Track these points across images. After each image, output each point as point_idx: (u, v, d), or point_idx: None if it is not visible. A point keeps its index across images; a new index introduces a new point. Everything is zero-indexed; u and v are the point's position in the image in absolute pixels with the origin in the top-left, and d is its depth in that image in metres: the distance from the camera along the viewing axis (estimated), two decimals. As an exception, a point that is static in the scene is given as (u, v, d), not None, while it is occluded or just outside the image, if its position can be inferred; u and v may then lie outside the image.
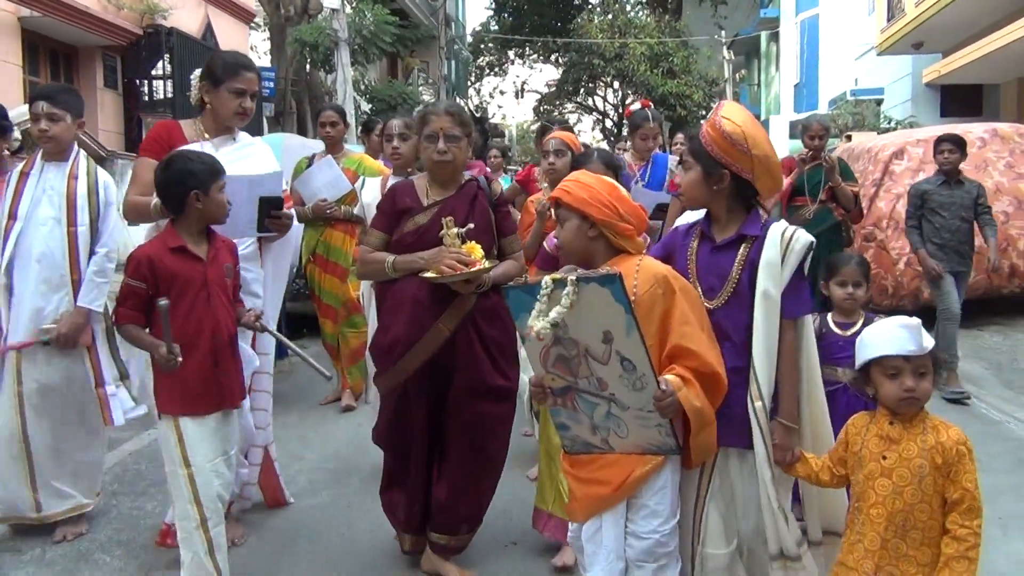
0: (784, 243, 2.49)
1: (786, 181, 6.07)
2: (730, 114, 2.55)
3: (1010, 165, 8.75)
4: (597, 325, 2.26)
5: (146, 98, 12.54)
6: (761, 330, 2.47)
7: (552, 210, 3.81)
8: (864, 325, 3.40)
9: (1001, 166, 8.73)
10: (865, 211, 7.84)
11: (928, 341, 2.29)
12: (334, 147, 6.00)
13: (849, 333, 3.57)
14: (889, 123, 18.77)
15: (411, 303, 3.20)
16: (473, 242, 3.13)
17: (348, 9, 17.06)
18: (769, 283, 2.46)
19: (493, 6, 35.60)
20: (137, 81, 12.57)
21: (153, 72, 12.45)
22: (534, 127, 44.16)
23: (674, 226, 2.88)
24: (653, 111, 5.66)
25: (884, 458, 2.30)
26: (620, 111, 34.69)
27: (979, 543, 2.20)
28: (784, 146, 20.24)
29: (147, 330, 3.01)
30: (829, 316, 3.70)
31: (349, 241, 5.86)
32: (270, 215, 3.51)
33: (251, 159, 3.69)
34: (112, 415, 3.89)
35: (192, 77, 3.70)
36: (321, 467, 4.94)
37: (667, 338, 2.37)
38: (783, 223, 2.60)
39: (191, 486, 2.97)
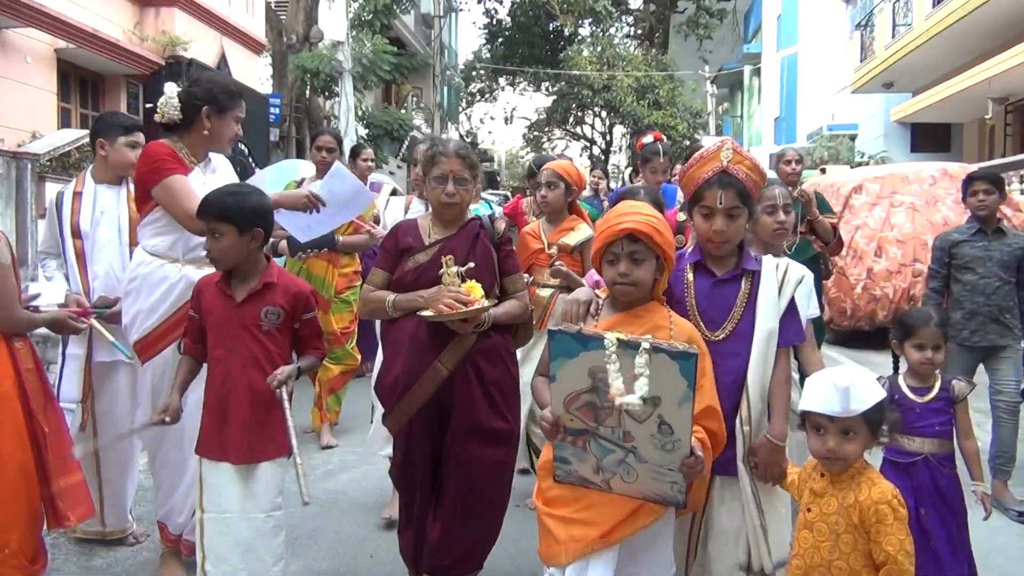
0: (780, 277, 2.57)
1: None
2: (750, 153, 2.64)
3: (957, 201, 9.67)
4: (651, 392, 2.13)
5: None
6: (759, 362, 2.51)
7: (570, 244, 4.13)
8: (942, 389, 3.12)
9: (949, 202, 9.70)
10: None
11: (859, 404, 2.21)
12: (327, 172, 5.99)
13: (926, 399, 3.15)
14: (862, 157, 19.82)
15: (410, 342, 3.14)
16: (473, 281, 3.07)
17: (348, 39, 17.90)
18: (772, 321, 2.52)
19: (486, 35, 36.50)
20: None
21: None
22: (523, 152, 45.19)
23: None
24: (665, 144, 5.64)
25: (808, 510, 2.32)
26: (608, 139, 35.74)
27: None
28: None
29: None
30: (901, 379, 3.26)
31: (331, 271, 5.76)
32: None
33: (227, 177, 3.72)
34: None
35: (169, 96, 3.52)
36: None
37: (696, 399, 2.20)
38: (771, 257, 2.67)
39: (200, 529, 2.93)
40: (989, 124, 15.98)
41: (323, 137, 5.98)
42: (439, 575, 3.22)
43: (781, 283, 2.55)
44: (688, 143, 25.29)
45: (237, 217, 2.88)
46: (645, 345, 2.08)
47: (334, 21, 17.89)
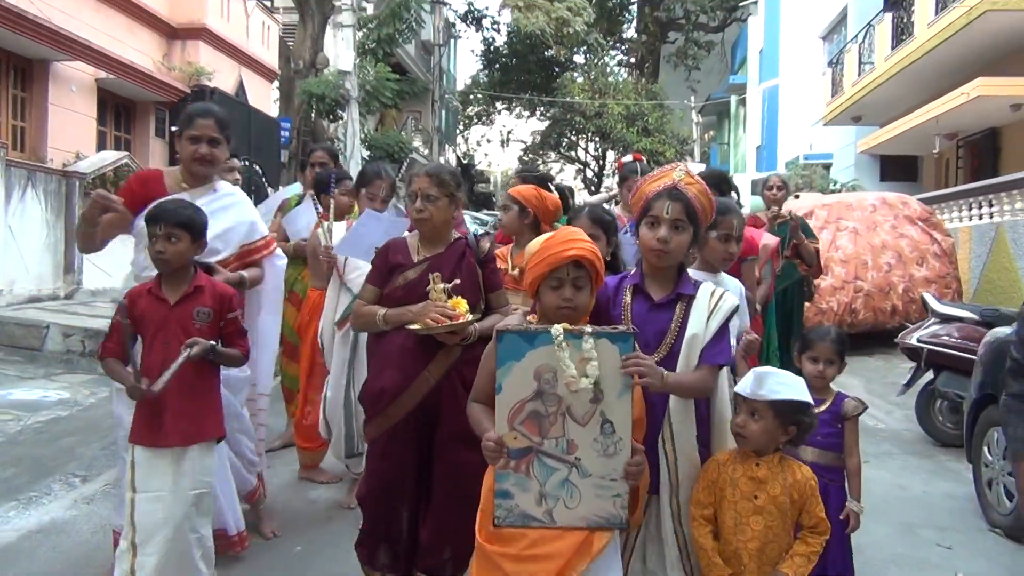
0: (712, 303, 2.57)
1: (774, 240, 5.66)
2: (696, 175, 2.69)
3: (894, 227, 11.03)
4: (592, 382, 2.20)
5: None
6: (680, 372, 2.50)
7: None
8: (833, 405, 3.24)
9: (887, 227, 11.01)
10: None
11: (767, 393, 2.48)
12: (319, 187, 5.71)
13: (818, 411, 3.06)
14: (834, 186, 21.11)
15: (399, 353, 3.30)
16: (459, 297, 3.20)
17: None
18: (696, 328, 2.53)
19: (483, 61, 37.55)
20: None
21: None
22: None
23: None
24: (643, 165, 5.61)
25: (756, 497, 2.51)
26: (600, 163, 36.99)
27: (819, 553, 2.54)
28: (747, 203, 22.49)
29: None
30: None
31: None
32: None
33: (230, 210, 3.81)
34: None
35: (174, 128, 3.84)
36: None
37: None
38: (709, 284, 2.70)
39: (131, 508, 3.09)
40: (944, 157, 17.30)
41: (316, 153, 6.00)
42: (430, 574, 3.33)
43: (712, 310, 2.56)
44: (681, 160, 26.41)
45: (195, 227, 3.22)
46: (588, 330, 2.20)
47: (342, 51, 19.16)
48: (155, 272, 3.31)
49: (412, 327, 3.18)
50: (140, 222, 3.51)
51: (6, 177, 9.60)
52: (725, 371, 2.68)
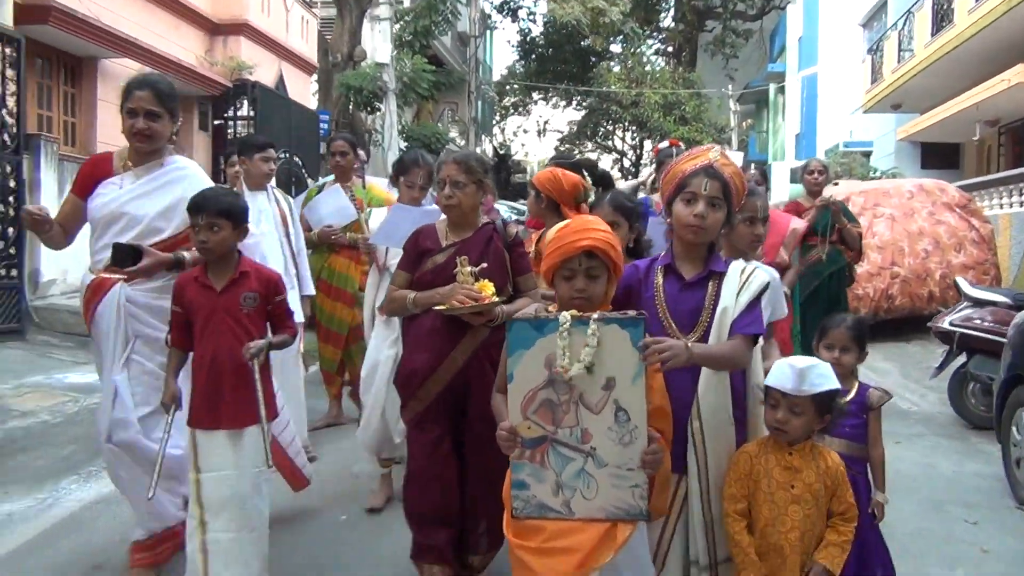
0: (742, 279, 2.52)
1: (803, 224, 5.80)
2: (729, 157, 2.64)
3: (931, 213, 10.98)
4: (603, 369, 2.18)
5: (230, 137, 14.92)
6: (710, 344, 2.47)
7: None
8: (858, 395, 3.12)
9: (924, 214, 10.97)
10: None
11: (810, 387, 2.44)
12: (343, 176, 5.99)
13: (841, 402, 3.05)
14: (874, 173, 20.97)
15: (428, 335, 3.40)
16: (486, 280, 3.26)
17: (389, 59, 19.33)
18: (727, 302, 2.49)
19: (519, 52, 37.66)
20: (223, 124, 14.99)
21: (238, 115, 14.87)
22: (555, 165, 46.11)
23: (633, 263, 2.76)
24: (680, 149, 5.40)
25: (792, 487, 2.48)
26: (638, 152, 36.99)
27: (851, 541, 2.54)
28: (785, 191, 22.43)
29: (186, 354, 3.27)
30: None
31: (354, 267, 5.92)
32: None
33: (176, 186, 3.55)
34: None
35: None
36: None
37: (648, 397, 2.22)
38: (741, 262, 2.63)
39: (196, 488, 3.16)
40: (985, 144, 17.12)
41: (336, 143, 6.08)
42: (475, 553, 3.44)
43: (742, 284, 2.51)
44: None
45: (235, 214, 3.19)
46: (595, 316, 2.19)
47: (379, 44, 19.39)
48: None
49: (439, 308, 3.25)
50: (93, 208, 3.51)
51: (59, 171, 9.94)
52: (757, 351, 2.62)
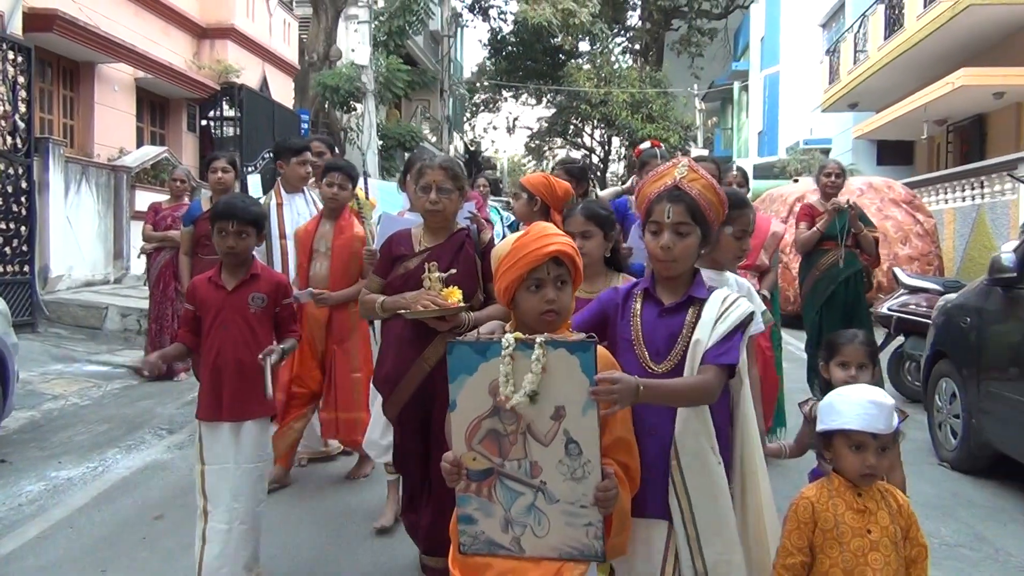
0: (721, 308, 2.34)
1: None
2: (705, 171, 2.44)
3: (879, 209, 11.88)
4: (551, 398, 1.99)
5: (216, 137, 15.45)
6: (672, 379, 2.30)
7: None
8: None
9: (873, 209, 11.80)
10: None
11: (895, 420, 2.28)
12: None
13: None
14: (833, 169, 21.85)
15: (397, 340, 3.47)
16: (454, 287, 3.24)
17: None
18: (701, 334, 2.30)
19: (490, 50, 37.76)
20: (209, 125, 15.53)
21: (224, 116, 15.41)
22: (525, 160, 47.07)
23: (614, 287, 2.64)
24: (662, 151, 5.50)
25: (869, 532, 2.25)
26: (606, 149, 37.71)
27: None
28: (750, 187, 23.23)
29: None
30: None
31: None
32: None
33: None
34: None
35: None
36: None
37: (608, 427, 2.09)
38: (725, 290, 2.46)
39: (201, 479, 3.36)
40: (935, 142, 18.09)
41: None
42: (434, 554, 3.45)
43: (721, 313, 2.32)
44: (680, 154, 27.14)
45: (260, 222, 3.47)
46: (540, 339, 1.99)
47: (357, 46, 19.93)
48: None
49: (403, 312, 3.26)
50: None
51: (64, 172, 10.50)
52: (746, 380, 2.46)
